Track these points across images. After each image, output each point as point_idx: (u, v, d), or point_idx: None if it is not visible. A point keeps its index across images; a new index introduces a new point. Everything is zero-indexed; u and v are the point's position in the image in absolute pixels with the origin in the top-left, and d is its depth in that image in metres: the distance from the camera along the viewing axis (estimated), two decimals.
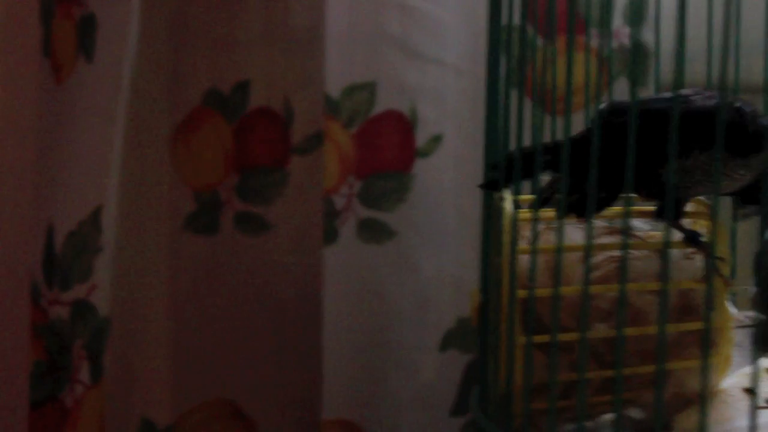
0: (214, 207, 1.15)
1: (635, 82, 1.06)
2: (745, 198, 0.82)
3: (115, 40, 1.10)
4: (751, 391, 0.82)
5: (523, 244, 0.79)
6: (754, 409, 0.78)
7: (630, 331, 0.77)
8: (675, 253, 0.80)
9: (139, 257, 1.15)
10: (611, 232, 0.82)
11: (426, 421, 1.14)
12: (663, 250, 0.76)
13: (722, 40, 0.68)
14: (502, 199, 0.81)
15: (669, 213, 0.74)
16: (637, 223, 0.83)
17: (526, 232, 0.81)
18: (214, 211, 1.15)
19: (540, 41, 1.15)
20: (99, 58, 1.10)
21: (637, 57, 1.16)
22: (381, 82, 1.12)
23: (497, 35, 0.82)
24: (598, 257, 0.80)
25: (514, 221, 0.78)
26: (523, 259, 0.79)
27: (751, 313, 1.04)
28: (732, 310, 0.82)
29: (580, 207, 0.75)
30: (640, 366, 0.79)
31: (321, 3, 1.11)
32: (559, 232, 0.75)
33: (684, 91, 0.78)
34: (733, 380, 0.84)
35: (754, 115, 0.78)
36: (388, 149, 1.12)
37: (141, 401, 1.15)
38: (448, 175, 1.14)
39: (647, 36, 1.17)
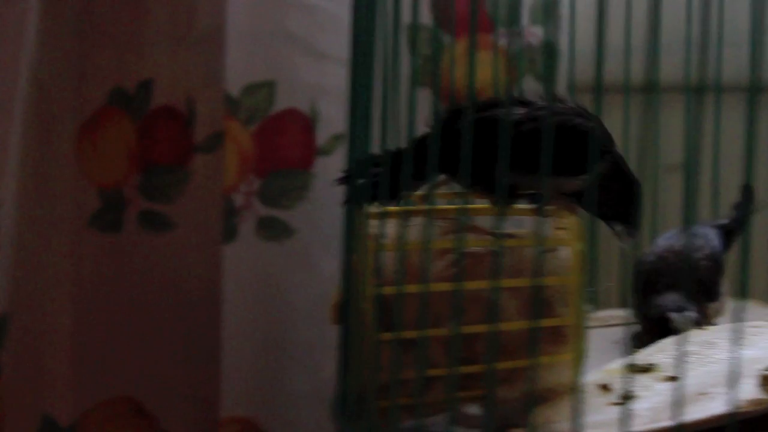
0: (118, 205, 1.15)
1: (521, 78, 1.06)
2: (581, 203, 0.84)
3: (11, 37, 1.10)
4: (605, 388, 0.82)
5: (379, 242, 0.80)
6: (607, 405, 0.79)
7: (481, 328, 0.78)
8: (530, 249, 0.81)
9: (44, 254, 1.16)
10: (471, 229, 0.83)
11: (324, 418, 1.14)
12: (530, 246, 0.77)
13: (595, 41, 0.68)
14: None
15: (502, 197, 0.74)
16: (495, 222, 0.83)
17: (384, 229, 0.81)
18: (118, 208, 1.15)
19: (448, 39, 1.17)
20: None
21: (551, 56, 1.17)
22: (281, 80, 1.12)
23: (360, 28, 0.82)
24: (456, 254, 0.81)
25: (369, 219, 0.79)
26: (381, 257, 0.79)
27: (620, 312, 1.05)
28: (587, 307, 0.82)
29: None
30: (497, 362, 0.79)
31: (223, 2, 1.11)
32: (403, 228, 0.75)
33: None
34: (593, 377, 0.84)
35: (591, 133, 0.80)
36: (288, 147, 1.13)
37: (42, 398, 1.16)
38: None
39: (557, 35, 1.18)
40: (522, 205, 0.83)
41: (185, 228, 1.14)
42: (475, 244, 0.81)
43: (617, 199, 0.85)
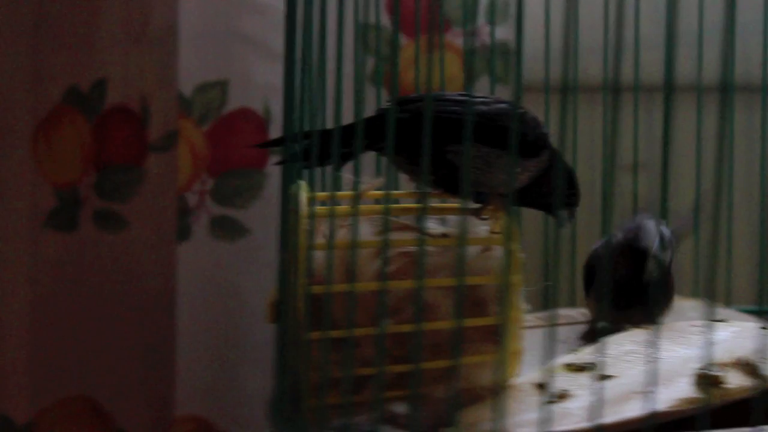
0: (73, 204, 1.16)
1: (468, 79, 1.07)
2: (524, 199, 0.85)
3: None
4: (541, 387, 0.82)
5: (316, 240, 0.80)
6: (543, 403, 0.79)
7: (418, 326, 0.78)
8: (467, 248, 0.81)
9: (0, 253, 1.16)
10: (404, 228, 0.83)
11: None
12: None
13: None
14: (297, 194, 0.81)
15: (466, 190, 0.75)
16: (431, 221, 0.84)
17: (320, 227, 0.81)
18: (74, 208, 1.16)
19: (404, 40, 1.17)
20: None
21: (517, 56, 1.17)
22: (234, 80, 1.13)
23: (294, 20, 0.82)
24: (391, 252, 0.81)
25: (305, 217, 0.79)
26: (315, 255, 0.79)
27: (570, 312, 1.05)
28: (524, 305, 0.83)
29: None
30: (431, 361, 0.79)
31: (175, 2, 1.12)
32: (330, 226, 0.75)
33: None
34: (530, 376, 0.85)
35: (535, 123, 0.84)
36: (242, 147, 1.13)
37: None
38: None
39: (510, 35, 1.18)
40: (457, 204, 0.83)
41: (140, 227, 1.15)
42: (409, 243, 0.81)
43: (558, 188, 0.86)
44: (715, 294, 0.69)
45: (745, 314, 1.06)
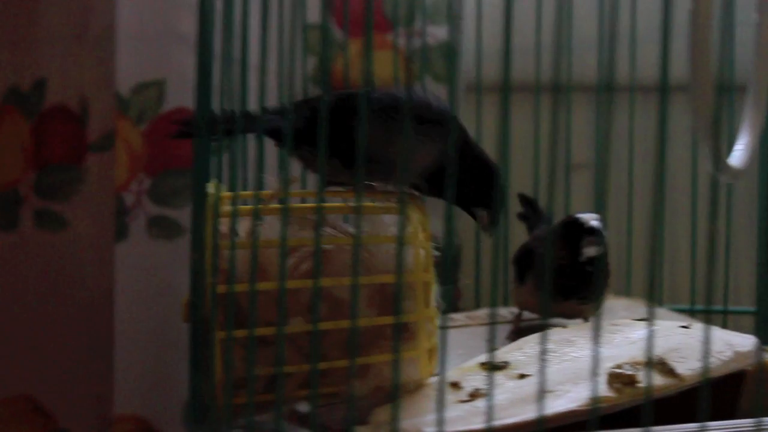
0: (13, 204, 1.16)
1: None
2: (432, 188, 0.85)
3: None
4: (456, 386, 0.82)
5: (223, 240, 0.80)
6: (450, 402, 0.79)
7: (327, 324, 0.78)
8: (380, 246, 0.81)
9: None
10: (314, 226, 0.83)
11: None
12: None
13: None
14: (210, 193, 0.81)
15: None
16: (342, 220, 0.84)
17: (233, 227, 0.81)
18: (14, 207, 1.16)
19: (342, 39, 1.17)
20: None
21: (452, 55, 1.18)
22: (171, 80, 1.13)
23: (208, 11, 0.83)
24: (302, 251, 0.81)
25: (217, 215, 0.79)
26: (228, 255, 0.80)
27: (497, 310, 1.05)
28: (438, 303, 0.83)
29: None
30: (343, 359, 0.79)
31: (114, 2, 1.12)
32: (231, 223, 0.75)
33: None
34: (446, 375, 0.85)
35: (437, 99, 0.85)
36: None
37: None
38: None
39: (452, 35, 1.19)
40: (373, 203, 0.84)
41: (79, 227, 1.15)
42: (325, 241, 0.81)
43: (476, 185, 0.86)
44: (653, 293, 0.69)
45: (678, 313, 1.07)
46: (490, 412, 0.68)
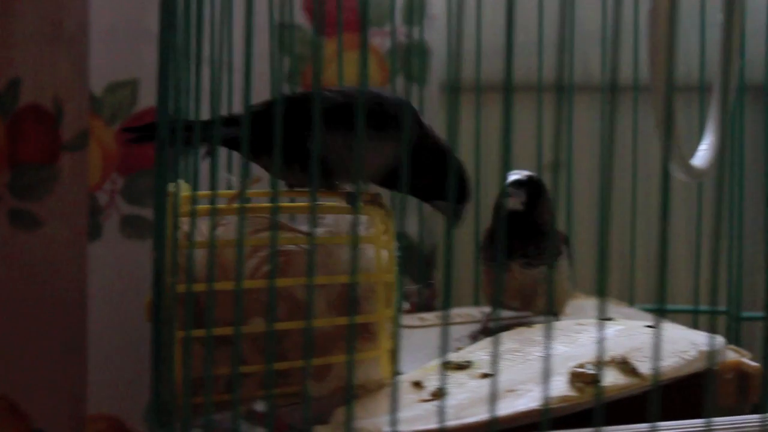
0: None
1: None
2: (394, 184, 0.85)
3: None
4: (418, 385, 0.82)
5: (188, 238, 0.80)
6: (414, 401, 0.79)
7: (288, 324, 0.78)
8: (341, 246, 0.81)
9: None
10: (280, 227, 0.83)
11: None
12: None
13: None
14: (173, 192, 0.81)
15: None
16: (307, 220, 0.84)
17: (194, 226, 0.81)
18: None
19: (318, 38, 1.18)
20: None
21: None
22: (144, 79, 1.13)
23: (170, 10, 0.83)
24: (264, 252, 0.81)
25: (177, 215, 0.79)
26: (190, 254, 0.80)
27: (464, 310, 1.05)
28: (403, 303, 0.83)
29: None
30: (304, 359, 0.79)
31: (87, 2, 1.12)
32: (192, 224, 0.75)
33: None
34: (409, 374, 0.85)
35: (394, 99, 0.85)
36: (152, 146, 1.13)
37: None
38: None
39: (426, 35, 1.19)
40: (333, 203, 0.84)
41: (53, 226, 1.15)
42: (285, 242, 0.82)
43: (437, 178, 0.86)
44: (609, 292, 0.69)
45: (646, 313, 1.07)
46: (441, 413, 0.68)
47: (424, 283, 1.00)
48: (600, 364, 0.77)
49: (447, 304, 0.62)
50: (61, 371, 1.16)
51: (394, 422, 0.68)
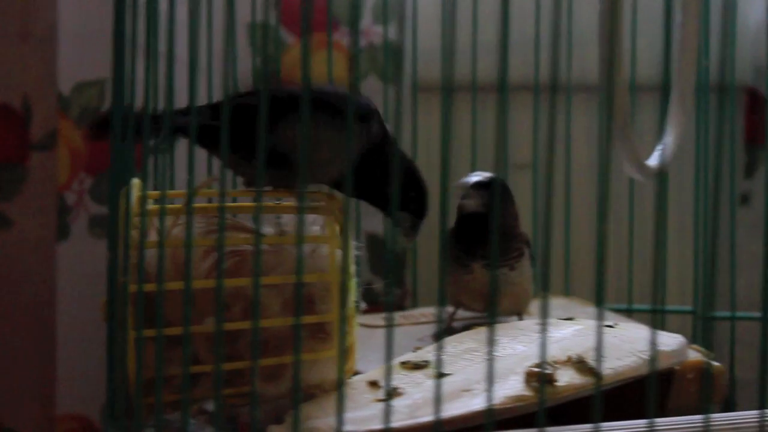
0: None
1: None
2: (357, 188, 0.84)
3: None
4: (374, 385, 0.82)
5: (148, 238, 0.80)
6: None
7: (241, 325, 0.79)
8: (293, 248, 0.81)
9: None
10: (235, 227, 0.83)
11: None
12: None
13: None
14: (128, 193, 0.81)
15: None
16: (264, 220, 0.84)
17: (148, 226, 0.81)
18: None
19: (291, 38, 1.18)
20: None
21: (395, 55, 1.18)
22: (110, 79, 1.13)
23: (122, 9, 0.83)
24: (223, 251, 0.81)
25: (131, 214, 0.79)
26: (147, 254, 0.80)
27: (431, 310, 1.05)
28: (359, 303, 0.83)
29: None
30: (259, 359, 0.80)
31: (56, 2, 1.12)
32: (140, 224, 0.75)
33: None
34: (366, 374, 0.85)
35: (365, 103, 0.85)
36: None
37: None
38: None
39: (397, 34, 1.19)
40: (286, 203, 0.84)
41: (23, 226, 1.15)
42: (239, 242, 0.82)
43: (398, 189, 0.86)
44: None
45: (614, 313, 1.07)
46: (387, 414, 0.68)
47: (389, 282, 0.99)
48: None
49: (390, 308, 0.62)
50: (30, 371, 1.16)
51: (340, 422, 0.68)
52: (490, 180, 0.96)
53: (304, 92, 0.72)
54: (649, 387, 0.62)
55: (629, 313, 1.09)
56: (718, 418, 0.72)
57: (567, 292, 1.12)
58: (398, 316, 1.05)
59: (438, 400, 0.67)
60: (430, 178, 0.86)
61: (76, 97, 1.13)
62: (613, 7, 0.71)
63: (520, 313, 1.00)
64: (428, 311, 1.07)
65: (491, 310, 0.68)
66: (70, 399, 1.15)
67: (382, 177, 0.83)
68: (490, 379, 0.67)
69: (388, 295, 1.08)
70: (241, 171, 0.85)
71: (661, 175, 0.83)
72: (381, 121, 0.86)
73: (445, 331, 1.01)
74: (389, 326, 0.66)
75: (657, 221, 0.57)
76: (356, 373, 0.86)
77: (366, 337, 0.94)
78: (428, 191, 0.87)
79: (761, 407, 0.64)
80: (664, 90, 0.61)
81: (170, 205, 0.80)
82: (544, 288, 0.66)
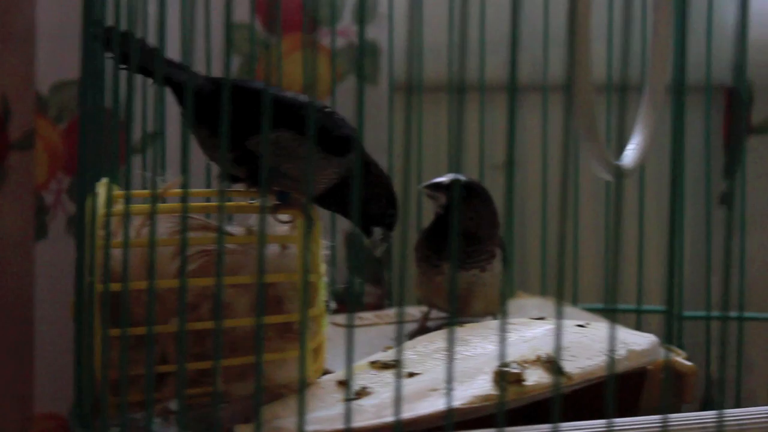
0: None
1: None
2: (329, 203, 0.85)
3: None
4: (343, 384, 0.83)
5: (114, 238, 0.80)
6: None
7: (206, 324, 0.79)
8: (266, 246, 0.82)
9: None
10: (204, 227, 0.83)
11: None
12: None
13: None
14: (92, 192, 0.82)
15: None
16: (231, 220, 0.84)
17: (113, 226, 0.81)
18: None
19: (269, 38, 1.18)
20: None
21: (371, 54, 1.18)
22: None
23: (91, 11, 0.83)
24: (191, 251, 0.81)
25: (97, 215, 0.79)
26: (114, 253, 0.80)
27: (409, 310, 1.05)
28: (329, 303, 0.83)
29: None
30: (227, 359, 0.80)
31: (34, 2, 1.12)
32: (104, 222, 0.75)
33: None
34: (335, 374, 0.85)
35: (342, 123, 0.85)
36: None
37: None
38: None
39: (378, 34, 1.19)
40: (252, 202, 0.84)
41: (1, 225, 1.15)
42: (206, 241, 0.82)
43: (370, 201, 0.86)
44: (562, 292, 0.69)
45: (590, 312, 1.07)
46: (348, 415, 0.68)
47: (360, 282, 1.00)
48: (524, 363, 0.77)
49: (352, 309, 0.62)
50: (8, 371, 1.16)
51: (302, 422, 0.68)
52: (451, 181, 0.96)
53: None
54: (607, 386, 0.62)
55: (603, 312, 1.08)
56: (677, 417, 0.72)
57: (543, 291, 1.11)
58: (373, 315, 1.05)
59: (399, 401, 0.66)
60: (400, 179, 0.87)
61: (55, 96, 1.13)
62: (576, 6, 0.71)
63: (493, 314, 1.00)
64: (409, 311, 1.07)
65: (452, 310, 0.68)
66: (48, 398, 1.15)
67: (363, 198, 0.85)
68: (450, 378, 0.67)
69: (352, 294, 1.08)
70: (210, 153, 0.85)
71: (618, 175, 0.83)
72: (361, 148, 0.86)
73: (417, 330, 1.01)
74: (349, 326, 0.66)
75: (615, 220, 0.57)
76: (326, 372, 0.86)
77: (337, 337, 0.94)
78: (399, 205, 0.88)
79: (720, 408, 0.64)
80: (621, 90, 0.61)
81: (137, 205, 0.80)
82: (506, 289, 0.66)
